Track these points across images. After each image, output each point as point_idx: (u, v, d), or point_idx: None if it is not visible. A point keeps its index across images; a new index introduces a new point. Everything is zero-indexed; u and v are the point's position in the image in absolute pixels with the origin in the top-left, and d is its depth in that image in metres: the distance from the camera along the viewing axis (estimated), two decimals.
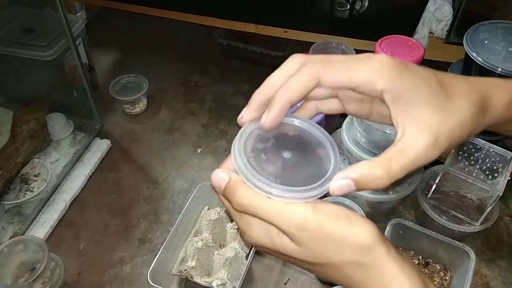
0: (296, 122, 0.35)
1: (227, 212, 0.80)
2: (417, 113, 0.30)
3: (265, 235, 0.31)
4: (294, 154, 0.33)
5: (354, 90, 0.32)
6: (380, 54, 0.32)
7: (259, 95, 0.33)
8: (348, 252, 0.30)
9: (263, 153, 0.33)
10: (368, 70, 0.31)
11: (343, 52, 0.94)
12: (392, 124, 0.33)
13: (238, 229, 0.31)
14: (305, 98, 0.34)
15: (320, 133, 0.35)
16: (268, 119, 0.32)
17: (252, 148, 0.33)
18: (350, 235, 0.30)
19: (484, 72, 0.72)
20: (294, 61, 0.33)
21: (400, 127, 0.31)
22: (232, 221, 0.80)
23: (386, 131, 0.70)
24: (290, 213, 0.30)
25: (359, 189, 0.30)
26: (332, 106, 0.36)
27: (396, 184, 0.78)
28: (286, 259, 0.33)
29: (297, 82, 0.32)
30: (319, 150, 0.34)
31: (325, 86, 0.32)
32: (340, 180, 0.30)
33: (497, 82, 0.35)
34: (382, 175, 0.29)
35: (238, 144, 0.32)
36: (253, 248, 0.75)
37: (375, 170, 0.29)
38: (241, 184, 0.31)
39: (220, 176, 0.32)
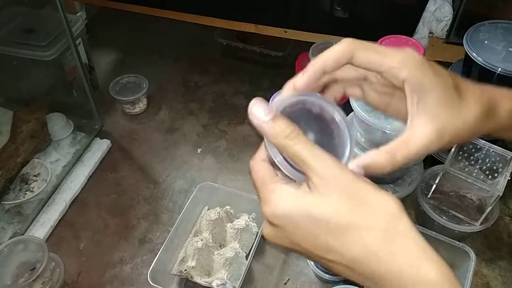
0: (318, 100, 0.37)
1: (227, 211, 0.80)
2: (428, 108, 0.34)
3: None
4: (316, 135, 0.35)
5: (380, 75, 0.35)
6: (408, 48, 0.35)
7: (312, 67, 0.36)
8: (378, 219, 0.29)
9: None
10: (396, 58, 0.34)
11: None
12: (405, 121, 0.36)
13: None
14: (336, 75, 0.37)
15: (340, 117, 0.37)
16: (302, 79, 0.35)
17: None
18: (379, 201, 0.30)
19: (484, 72, 0.72)
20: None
21: (410, 118, 0.34)
22: (232, 221, 0.80)
23: (386, 131, 0.70)
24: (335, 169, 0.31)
25: (366, 174, 0.33)
26: (355, 92, 0.39)
27: (396, 183, 0.78)
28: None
29: (333, 52, 0.35)
30: (337, 132, 0.36)
31: (356, 64, 0.35)
32: (353, 167, 0.34)
33: (505, 91, 0.38)
34: (386, 165, 0.33)
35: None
36: (253, 248, 0.75)
37: (381, 161, 0.33)
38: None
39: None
